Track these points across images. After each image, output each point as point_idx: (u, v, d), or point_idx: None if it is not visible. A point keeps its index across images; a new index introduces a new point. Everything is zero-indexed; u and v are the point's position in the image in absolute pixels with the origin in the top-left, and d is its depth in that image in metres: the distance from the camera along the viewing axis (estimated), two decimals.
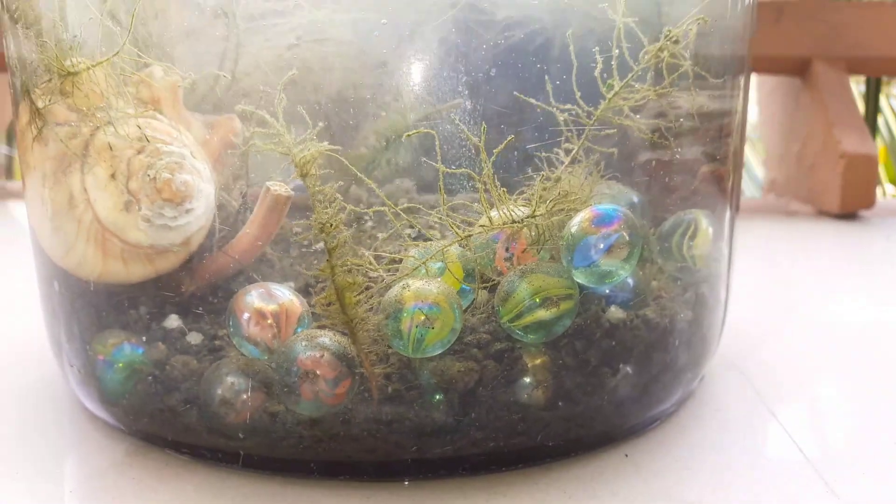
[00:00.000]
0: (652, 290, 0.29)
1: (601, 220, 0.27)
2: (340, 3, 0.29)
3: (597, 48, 0.28)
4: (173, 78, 0.30)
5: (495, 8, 0.29)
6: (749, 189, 1.34)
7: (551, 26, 0.29)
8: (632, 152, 0.31)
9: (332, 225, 0.25)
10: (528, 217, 0.27)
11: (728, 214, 0.34)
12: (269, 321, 0.26)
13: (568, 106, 0.28)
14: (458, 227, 0.26)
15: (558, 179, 0.28)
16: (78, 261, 0.29)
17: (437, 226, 0.28)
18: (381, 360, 0.25)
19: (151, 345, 0.28)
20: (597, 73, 0.28)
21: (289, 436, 0.26)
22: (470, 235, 0.26)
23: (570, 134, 0.29)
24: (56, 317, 0.31)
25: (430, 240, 0.27)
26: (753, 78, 0.75)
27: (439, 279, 0.26)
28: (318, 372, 0.25)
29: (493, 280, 0.27)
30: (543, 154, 0.29)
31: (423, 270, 0.26)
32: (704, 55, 0.30)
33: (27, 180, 0.31)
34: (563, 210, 0.27)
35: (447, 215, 0.26)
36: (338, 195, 0.25)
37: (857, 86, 1.18)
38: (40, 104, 0.29)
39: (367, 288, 0.26)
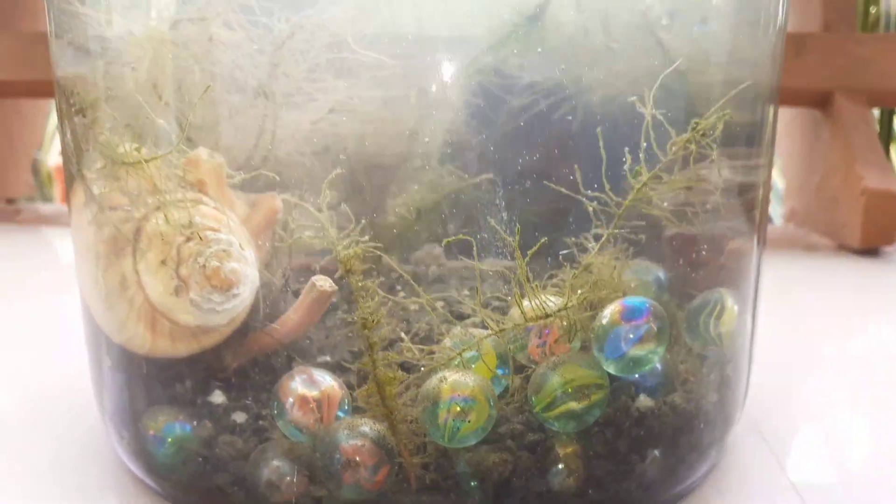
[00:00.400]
0: (679, 374, 0.30)
1: (630, 314, 0.28)
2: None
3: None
4: (218, 159, 0.32)
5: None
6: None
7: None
8: (658, 232, 0.32)
9: (373, 321, 0.26)
10: (560, 310, 0.28)
11: (752, 285, 0.35)
12: (311, 406, 0.27)
13: (596, 193, 0.30)
14: (493, 321, 0.28)
15: (588, 267, 0.29)
16: (128, 337, 0.31)
17: (471, 313, 0.29)
18: (418, 450, 0.27)
19: (199, 422, 0.29)
20: (626, 167, 0.29)
21: None
22: (503, 330, 0.27)
23: (598, 223, 0.30)
24: (105, 385, 0.33)
25: (464, 321, 0.28)
26: None
27: (473, 372, 0.27)
28: (358, 459, 0.26)
29: (527, 368, 0.28)
30: (572, 240, 0.30)
31: (458, 361, 0.27)
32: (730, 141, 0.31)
33: (80, 255, 0.33)
34: (594, 301, 0.28)
35: (481, 309, 0.27)
36: (379, 291, 0.27)
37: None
38: (95, 190, 0.31)
39: (404, 379, 0.27)
